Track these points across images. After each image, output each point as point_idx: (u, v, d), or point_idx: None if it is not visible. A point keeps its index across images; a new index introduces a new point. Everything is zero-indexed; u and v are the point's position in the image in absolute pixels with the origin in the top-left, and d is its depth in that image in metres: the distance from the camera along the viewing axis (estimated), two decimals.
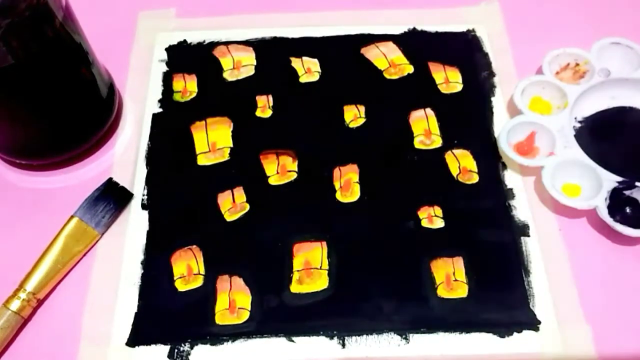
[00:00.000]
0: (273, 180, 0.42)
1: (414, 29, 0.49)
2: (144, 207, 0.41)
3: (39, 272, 0.37)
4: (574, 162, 0.40)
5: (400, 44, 0.48)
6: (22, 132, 0.41)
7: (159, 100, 0.46)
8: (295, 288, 0.37)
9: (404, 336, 0.36)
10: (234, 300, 0.37)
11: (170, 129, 0.44)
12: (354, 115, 0.44)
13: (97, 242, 0.39)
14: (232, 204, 0.41)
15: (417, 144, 0.43)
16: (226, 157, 0.43)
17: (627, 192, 0.38)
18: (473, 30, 0.49)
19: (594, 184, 0.39)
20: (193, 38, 0.49)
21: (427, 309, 0.36)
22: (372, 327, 0.36)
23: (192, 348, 0.35)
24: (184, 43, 0.49)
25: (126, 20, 0.50)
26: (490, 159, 0.42)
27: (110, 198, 0.40)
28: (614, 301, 0.37)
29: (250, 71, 0.47)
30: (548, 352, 0.35)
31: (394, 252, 0.38)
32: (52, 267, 0.37)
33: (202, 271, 0.38)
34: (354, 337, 0.36)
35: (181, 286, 0.38)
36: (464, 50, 0.48)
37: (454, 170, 0.42)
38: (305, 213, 0.40)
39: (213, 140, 0.43)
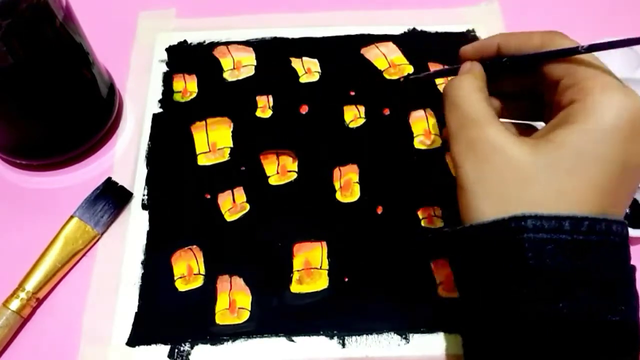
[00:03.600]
0: (273, 180, 0.42)
1: (414, 29, 0.49)
2: (144, 207, 0.41)
3: (38, 272, 0.37)
4: None
5: (400, 44, 0.48)
6: (23, 132, 0.41)
7: (159, 101, 0.46)
8: (295, 288, 0.37)
9: (404, 336, 0.36)
10: (234, 300, 0.37)
11: (171, 129, 0.44)
12: (354, 116, 0.44)
13: (97, 241, 0.39)
14: (232, 204, 0.41)
15: (417, 144, 0.43)
16: (226, 157, 0.43)
17: None
18: (473, 30, 0.49)
19: None
20: (193, 38, 0.49)
21: (427, 309, 0.37)
22: (372, 327, 0.36)
23: (192, 348, 0.36)
24: (184, 43, 0.49)
25: (126, 20, 0.50)
26: None
27: (109, 197, 0.40)
28: None
29: (250, 71, 0.47)
30: None
31: (394, 252, 0.38)
32: (52, 267, 0.37)
33: (202, 271, 0.38)
34: (354, 337, 0.36)
35: (181, 286, 0.38)
36: None
37: (454, 171, 0.42)
38: (305, 213, 0.40)
39: (213, 141, 0.43)
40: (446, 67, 0.37)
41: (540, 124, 0.32)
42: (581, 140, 0.25)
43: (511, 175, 0.26)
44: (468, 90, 0.30)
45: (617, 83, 0.27)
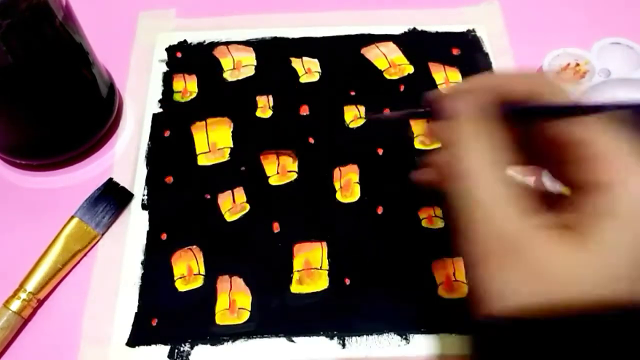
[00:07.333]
0: (273, 180, 0.42)
1: (414, 29, 0.49)
2: (144, 207, 0.41)
3: (39, 272, 0.37)
4: None
5: (400, 44, 0.48)
6: (23, 132, 0.41)
7: (159, 101, 0.45)
8: (295, 288, 0.37)
9: (404, 336, 0.36)
10: (234, 300, 0.37)
11: (171, 129, 0.44)
12: (354, 116, 0.44)
13: (97, 242, 0.39)
14: (232, 204, 0.41)
15: (417, 144, 0.43)
16: (226, 157, 0.43)
17: None
18: (473, 30, 0.49)
19: None
20: (193, 38, 0.49)
21: (427, 309, 0.37)
22: (372, 327, 0.36)
23: (192, 348, 0.36)
24: (184, 43, 0.49)
25: (126, 20, 0.50)
26: None
27: (111, 198, 0.40)
28: None
29: (251, 71, 0.47)
30: None
31: (394, 252, 0.39)
32: (53, 267, 0.37)
33: (202, 271, 0.38)
34: (354, 337, 0.36)
35: (181, 286, 0.38)
36: (464, 50, 0.48)
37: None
38: (305, 213, 0.40)
39: (213, 141, 0.43)
40: (416, 110, 0.30)
41: None
42: (623, 237, 0.22)
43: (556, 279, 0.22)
44: (480, 165, 0.23)
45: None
